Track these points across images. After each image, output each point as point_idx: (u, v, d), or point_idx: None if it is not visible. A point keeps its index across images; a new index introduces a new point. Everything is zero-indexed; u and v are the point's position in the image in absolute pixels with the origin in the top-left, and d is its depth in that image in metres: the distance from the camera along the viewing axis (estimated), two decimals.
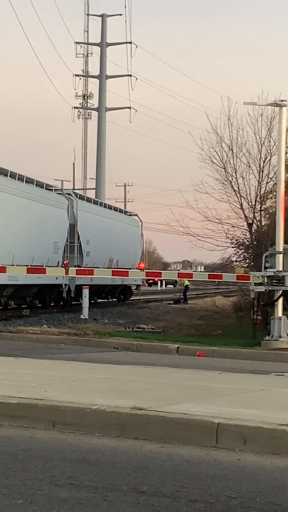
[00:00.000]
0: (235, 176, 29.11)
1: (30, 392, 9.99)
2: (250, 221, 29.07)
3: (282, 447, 7.98)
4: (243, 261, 32.49)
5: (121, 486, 6.66)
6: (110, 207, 50.16)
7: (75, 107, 74.65)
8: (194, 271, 78.24)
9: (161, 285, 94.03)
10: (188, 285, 59.21)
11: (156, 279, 58.55)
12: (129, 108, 67.27)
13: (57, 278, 35.58)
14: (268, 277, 22.38)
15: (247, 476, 7.15)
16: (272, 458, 7.83)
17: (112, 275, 32.48)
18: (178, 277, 36.44)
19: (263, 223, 29.27)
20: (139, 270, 28.25)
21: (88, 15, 71.27)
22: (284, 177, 24.48)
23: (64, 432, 8.83)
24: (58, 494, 6.40)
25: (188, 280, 54.81)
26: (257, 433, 8.15)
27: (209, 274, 29.83)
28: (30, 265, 31.74)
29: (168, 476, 7.06)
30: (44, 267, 31.63)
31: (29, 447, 8.13)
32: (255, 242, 29.23)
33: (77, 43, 71.81)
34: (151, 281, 56.86)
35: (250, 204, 28.98)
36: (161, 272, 42.42)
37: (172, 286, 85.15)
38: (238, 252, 31.79)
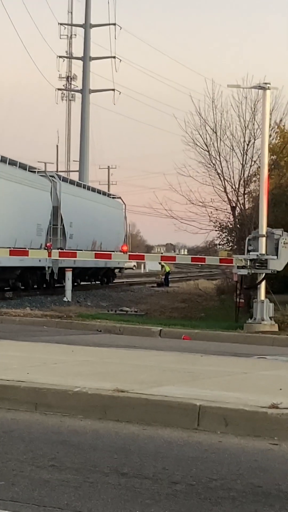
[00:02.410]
0: (218, 159, 29.08)
1: (12, 374, 9.99)
2: (234, 205, 29.07)
3: (263, 429, 8.02)
4: (226, 244, 32.58)
5: (103, 468, 6.68)
6: (93, 190, 50.06)
7: (58, 89, 74.45)
8: (177, 254, 78.36)
9: (144, 268, 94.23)
10: (169, 271, 59.16)
11: (161, 276, 58.48)
12: (113, 90, 67.12)
13: (40, 261, 35.52)
14: (251, 260, 22.41)
15: (228, 458, 7.19)
16: (253, 440, 7.87)
17: (95, 258, 32.46)
18: (160, 260, 36.45)
19: (246, 207, 29.27)
20: (122, 253, 28.22)
21: None
22: (268, 160, 24.48)
23: (46, 414, 8.84)
24: (40, 476, 6.41)
25: (171, 263, 54.85)
26: (238, 416, 8.19)
27: (192, 257, 29.87)
28: (13, 247, 31.66)
29: (150, 458, 7.08)
30: (27, 249, 31.57)
31: (11, 429, 8.14)
32: (238, 225, 29.26)
33: (61, 24, 71.48)
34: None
35: (234, 187, 28.98)
36: (144, 255, 42.37)
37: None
38: (221, 235, 31.86)
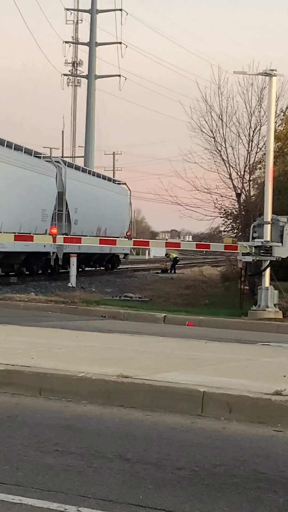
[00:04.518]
0: (224, 146, 28.97)
1: (17, 359, 10.01)
2: (239, 191, 28.99)
3: (266, 416, 8.03)
4: (231, 231, 32.49)
5: (107, 453, 6.70)
6: (98, 176, 50.01)
7: (64, 74, 74.28)
8: (182, 241, 78.26)
9: (149, 254, 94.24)
10: (177, 257, 59.09)
11: (167, 263, 58.42)
12: (119, 76, 66.96)
13: (44, 246, 35.55)
14: (256, 247, 22.39)
15: (232, 444, 7.20)
16: (257, 427, 7.88)
17: (100, 244, 32.45)
18: (165, 247, 36.46)
19: (251, 193, 29.19)
20: (127, 239, 28.20)
21: None
22: (274, 147, 24.42)
23: (50, 399, 8.86)
24: (44, 460, 6.44)
25: (175, 249, 54.81)
26: (242, 402, 8.20)
27: (197, 244, 29.83)
28: (18, 233, 31.68)
29: (154, 444, 7.10)
30: (32, 234, 31.57)
31: (16, 413, 8.16)
32: (243, 212, 29.19)
33: (67, 9, 71.33)
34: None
35: (239, 174, 28.89)
36: (148, 241, 42.34)
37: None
38: (226, 222, 31.78)
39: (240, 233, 29.21)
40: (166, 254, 57.40)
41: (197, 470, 6.31)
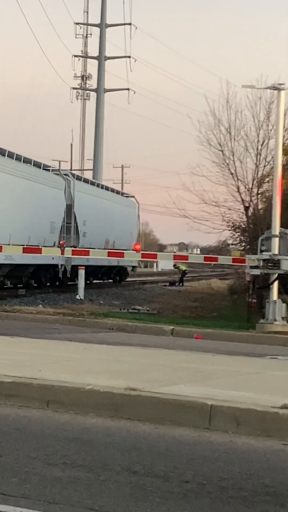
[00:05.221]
0: (232, 159, 29.04)
1: (24, 371, 10.02)
2: (247, 204, 29.03)
3: (274, 429, 8.03)
4: (239, 244, 32.49)
5: (114, 466, 6.70)
6: (107, 188, 50.08)
7: (73, 88, 74.43)
8: (190, 254, 78.30)
9: (157, 267, 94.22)
10: (185, 270, 59.14)
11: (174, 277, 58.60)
12: (128, 89, 67.04)
13: (53, 258, 35.59)
14: (263, 260, 22.38)
15: (240, 458, 7.20)
16: (264, 440, 7.87)
17: (108, 256, 32.48)
18: (173, 259, 36.43)
19: (259, 207, 29.23)
20: (135, 252, 28.22)
21: None
22: (282, 160, 24.44)
23: (58, 411, 8.87)
24: (51, 473, 6.44)
25: (184, 262, 54.80)
26: (250, 415, 8.19)
27: (205, 257, 29.81)
28: (27, 245, 31.73)
29: (161, 456, 7.10)
30: (41, 247, 31.61)
31: (23, 425, 8.17)
32: (251, 225, 29.20)
33: (77, 23, 71.54)
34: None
35: (247, 187, 28.93)
36: (156, 254, 42.35)
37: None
38: (234, 235, 31.78)
39: (248, 246, 29.20)
40: (175, 266, 57.49)
41: (204, 484, 6.31)
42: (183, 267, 57.89)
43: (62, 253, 27.11)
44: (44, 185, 37.06)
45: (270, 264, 22.30)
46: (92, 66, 70.39)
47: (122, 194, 54.65)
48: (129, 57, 66.37)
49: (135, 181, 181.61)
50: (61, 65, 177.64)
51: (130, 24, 66.04)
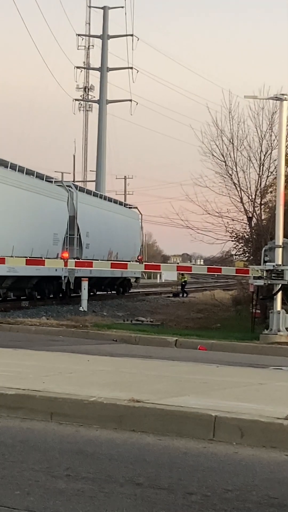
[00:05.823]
0: (235, 170, 29.11)
1: (28, 384, 10.00)
2: (250, 215, 29.06)
3: (278, 440, 7.99)
4: (242, 255, 32.50)
5: (118, 478, 6.67)
6: (110, 200, 50.12)
7: (76, 99, 74.65)
8: (193, 264, 78.29)
9: (160, 277, 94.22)
10: (186, 280, 59.23)
11: (176, 287, 58.71)
12: (130, 100, 67.24)
13: (56, 270, 35.59)
14: (267, 271, 22.37)
15: (244, 469, 7.17)
16: (269, 451, 7.84)
17: (111, 268, 32.49)
18: (177, 270, 36.37)
19: (263, 217, 29.26)
20: (138, 263, 28.23)
21: (89, 7, 71.30)
22: (285, 171, 24.46)
23: (61, 423, 8.85)
24: (55, 485, 6.42)
25: (187, 273, 54.86)
26: (254, 427, 8.16)
27: (208, 267, 29.82)
28: (30, 257, 31.75)
29: (165, 468, 7.07)
30: (43, 259, 31.63)
31: (27, 438, 8.14)
32: (254, 236, 29.22)
33: (79, 35, 71.89)
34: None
35: (250, 198, 28.98)
36: (160, 265, 42.36)
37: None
38: (237, 245, 31.81)
39: (252, 257, 29.21)
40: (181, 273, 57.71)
41: (208, 495, 6.28)
42: (185, 278, 58.06)
43: (65, 264, 27.10)
44: (47, 197, 37.09)
45: (273, 275, 22.28)
46: (95, 78, 70.68)
47: (125, 205, 54.69)
48: (131, 68, 66.66)
49: (138, 192, 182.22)
50: (63, 77, 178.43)
51: (132, 35, 66.35)
